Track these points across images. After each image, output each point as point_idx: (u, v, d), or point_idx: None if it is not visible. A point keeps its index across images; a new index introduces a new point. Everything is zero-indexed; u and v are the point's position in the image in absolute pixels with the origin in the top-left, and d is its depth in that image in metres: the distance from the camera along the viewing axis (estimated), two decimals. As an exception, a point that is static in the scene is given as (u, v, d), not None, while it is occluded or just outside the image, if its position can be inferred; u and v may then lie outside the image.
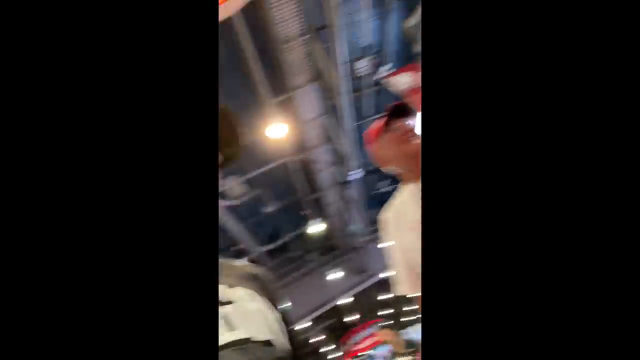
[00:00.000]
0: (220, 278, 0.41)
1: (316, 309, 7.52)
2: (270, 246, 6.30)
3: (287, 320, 0.45)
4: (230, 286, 0.41)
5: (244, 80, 3.72)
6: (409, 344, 3.24)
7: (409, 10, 3.43)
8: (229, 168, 0.53)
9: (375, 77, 4.15)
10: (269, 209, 5.47)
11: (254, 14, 3.01)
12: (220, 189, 4.90)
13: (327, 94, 4.35)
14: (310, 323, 7.64)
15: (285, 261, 7.48)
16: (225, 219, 5.06)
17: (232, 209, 5.22)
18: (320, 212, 6.57)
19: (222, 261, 0.47)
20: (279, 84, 3.89)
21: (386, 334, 4.39)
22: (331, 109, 4.64)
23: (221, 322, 0.35)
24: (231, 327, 0.35)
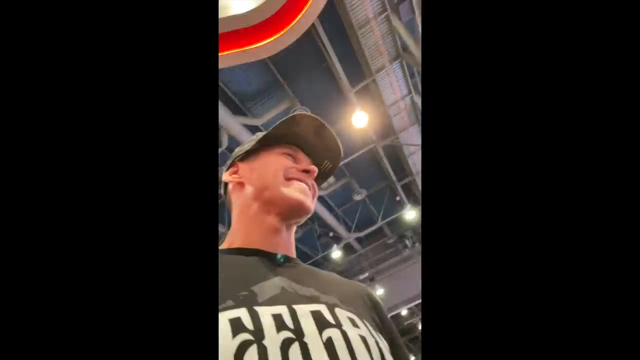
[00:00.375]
0: (327, 295, 0.41)
1: (416, 297, 7.43)
2: (363, 233, 6.45)
3: (400, 354, 0.43)
4: (334, 306, 0.39)
5: (324, 72, 3.82)
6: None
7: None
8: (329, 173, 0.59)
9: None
10: (359, 196, 5.57)
11: (327, 4, 3.02)
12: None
13: (413, 70, 4.08)
14: (406, 312, 7.60)
15: (380, 248, 7.56)
16: (318, 209, 5.40)
17: (321, 198, 5.53)
18: (414, 197, 6.34)
19: (327, 273, 0.49)
20: (359, 70, 3.84)
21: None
22: (419, 86, 4.34)
23: (322, 346, 0.34)
24: (334, 355, 0.34)
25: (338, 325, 0.37)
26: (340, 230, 6.12)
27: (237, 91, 3.85)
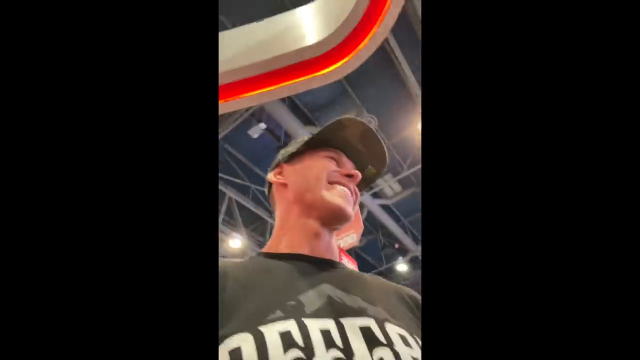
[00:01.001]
0: (375, 306, 0.41)
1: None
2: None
3: None
4: (384, 321, 0.39)
5: (395, 79, 3.84)
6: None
7: None
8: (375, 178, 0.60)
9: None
10: (428, 207, 5.37)
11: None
12: (375, 189, 5.23)
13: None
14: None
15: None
16: (383, 218, 5.38)
17: (387, 208, 5.48)
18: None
19: (371, 278, 0.48)
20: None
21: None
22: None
23: None
24: None
25: (389, 344, 0.36)
26: (407, 242, 5.97)
27: (307, 102, 4.10)
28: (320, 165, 0.52)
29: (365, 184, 0.59)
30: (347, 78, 3.87)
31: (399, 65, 3.53)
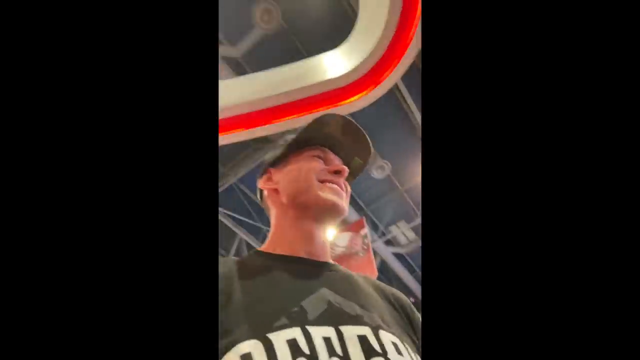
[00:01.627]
0: (370, 312, 0.42)
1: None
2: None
3: None
4: (378, 328, 0.41)
5: (406, 125, 3.97)
6: None
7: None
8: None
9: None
10: (444, 257, 5.17)
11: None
12: (388, 236, 5.11)
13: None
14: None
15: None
16: (395, 266, 5.17)
17: (400, 257, 5.29)
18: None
19: (363, 280, 0.49)
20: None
21: None
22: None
23: None
24: None
25: (384, 353, 0.38)
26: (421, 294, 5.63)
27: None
28: (308, 166, 0.53)
29: (353, 176, 0.60)
30: (362, 124, 4.01)
31: (410, 111, 3.68)
